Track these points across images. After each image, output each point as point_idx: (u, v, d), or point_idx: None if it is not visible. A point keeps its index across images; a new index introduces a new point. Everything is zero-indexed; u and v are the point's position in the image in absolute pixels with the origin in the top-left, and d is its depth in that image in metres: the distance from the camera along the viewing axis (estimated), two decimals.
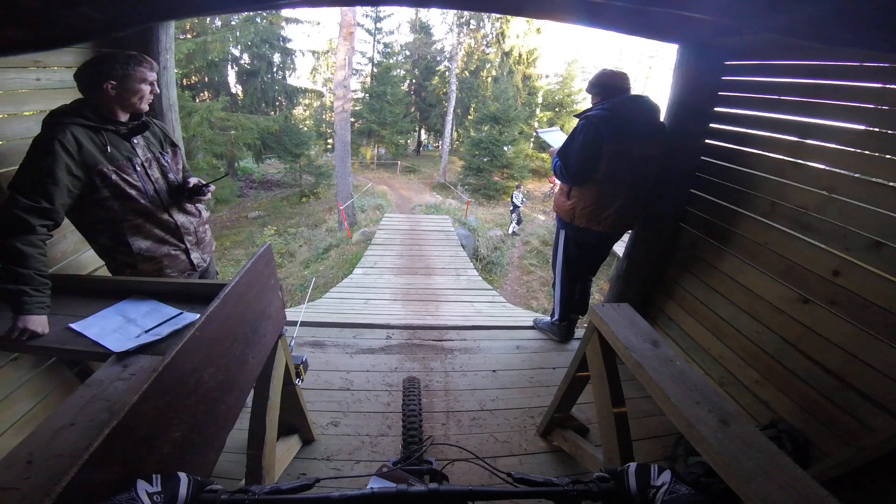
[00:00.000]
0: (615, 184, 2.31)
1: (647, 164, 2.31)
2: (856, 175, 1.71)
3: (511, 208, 13.67)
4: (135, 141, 1.60)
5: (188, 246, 1.78)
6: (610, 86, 2.32)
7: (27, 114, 1.83)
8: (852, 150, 1.72)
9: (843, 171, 1.75)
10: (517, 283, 10.57)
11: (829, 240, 1.76)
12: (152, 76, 1.52)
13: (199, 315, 1.29)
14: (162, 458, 0.83)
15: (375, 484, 0.79)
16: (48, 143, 1.36)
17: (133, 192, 1.56)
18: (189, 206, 1.80)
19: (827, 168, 1.83)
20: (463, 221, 11.88)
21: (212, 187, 1.80)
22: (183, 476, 0.68)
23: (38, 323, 1.32)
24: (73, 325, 1.37)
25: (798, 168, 1.94)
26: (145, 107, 1.57)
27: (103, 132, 1.50)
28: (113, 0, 1.12)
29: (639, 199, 2.42)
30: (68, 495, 0.60)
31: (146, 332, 1.35)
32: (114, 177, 1.50)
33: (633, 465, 0.73)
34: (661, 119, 2.39)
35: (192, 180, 1.79)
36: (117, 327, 1.38)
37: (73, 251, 2.00)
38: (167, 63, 2.25)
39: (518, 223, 13.50)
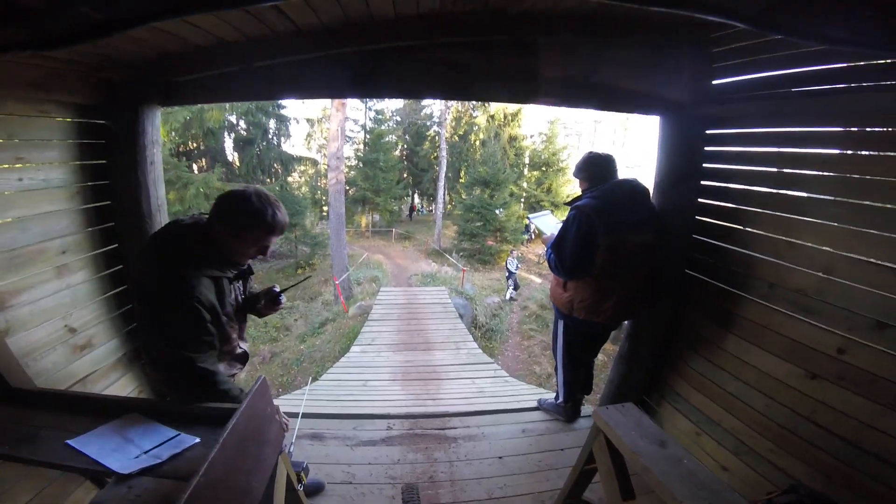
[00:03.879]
0: (612, 275, 2.22)
1: (643, 251, 2.22)
2: (852, 255, 1.65)
3: (507, 275, 13.78)
4: (235, 284, 1.61)
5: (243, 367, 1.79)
6: (597, 170, 2.30)
7: (9, 220, 1.61)
8: (847, 227, 1.67)
9: (840, 252, 1.69)
10: (518, 348, 10.42)
11: (830, 321, 1.71)
12: (271, 240, 1.48)
13: (197, 438, 1.35)
14: None
15: None
16: (190, 307, 1.38)
17: (230, 331, 1.58)
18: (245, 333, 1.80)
19: (824, 249, 1.76)
20: (460, 290, 11.91)
21: (285, 296, 1.83)
22: None
23: None
24: (70, 442, 1.35)
25: (794, 247, 1.86)
26: (244, 263, 1.58)
27: (221, 280, 1.50)
28: (113, 0, 1.13)
29: (637, 289, 2.31)
30: None
31: (145, 452, 1.33)
32: (224, 320, 1.53)
33: None
34: (651, 200, 2.36)
35: (267, 288, 1.81)
36: (116, 447, 1.35)
37: (66, 362, 1.97)
38: (154, 157, 2.16)
39: (515, 289, 13.55)
